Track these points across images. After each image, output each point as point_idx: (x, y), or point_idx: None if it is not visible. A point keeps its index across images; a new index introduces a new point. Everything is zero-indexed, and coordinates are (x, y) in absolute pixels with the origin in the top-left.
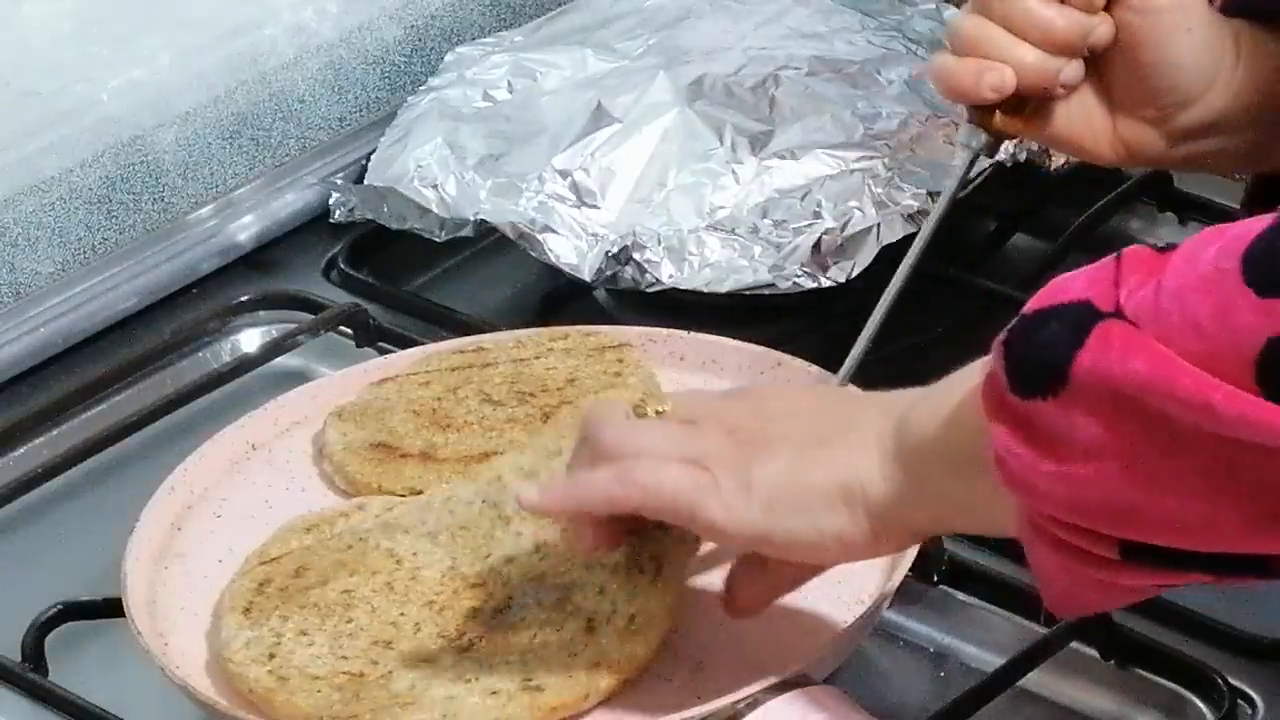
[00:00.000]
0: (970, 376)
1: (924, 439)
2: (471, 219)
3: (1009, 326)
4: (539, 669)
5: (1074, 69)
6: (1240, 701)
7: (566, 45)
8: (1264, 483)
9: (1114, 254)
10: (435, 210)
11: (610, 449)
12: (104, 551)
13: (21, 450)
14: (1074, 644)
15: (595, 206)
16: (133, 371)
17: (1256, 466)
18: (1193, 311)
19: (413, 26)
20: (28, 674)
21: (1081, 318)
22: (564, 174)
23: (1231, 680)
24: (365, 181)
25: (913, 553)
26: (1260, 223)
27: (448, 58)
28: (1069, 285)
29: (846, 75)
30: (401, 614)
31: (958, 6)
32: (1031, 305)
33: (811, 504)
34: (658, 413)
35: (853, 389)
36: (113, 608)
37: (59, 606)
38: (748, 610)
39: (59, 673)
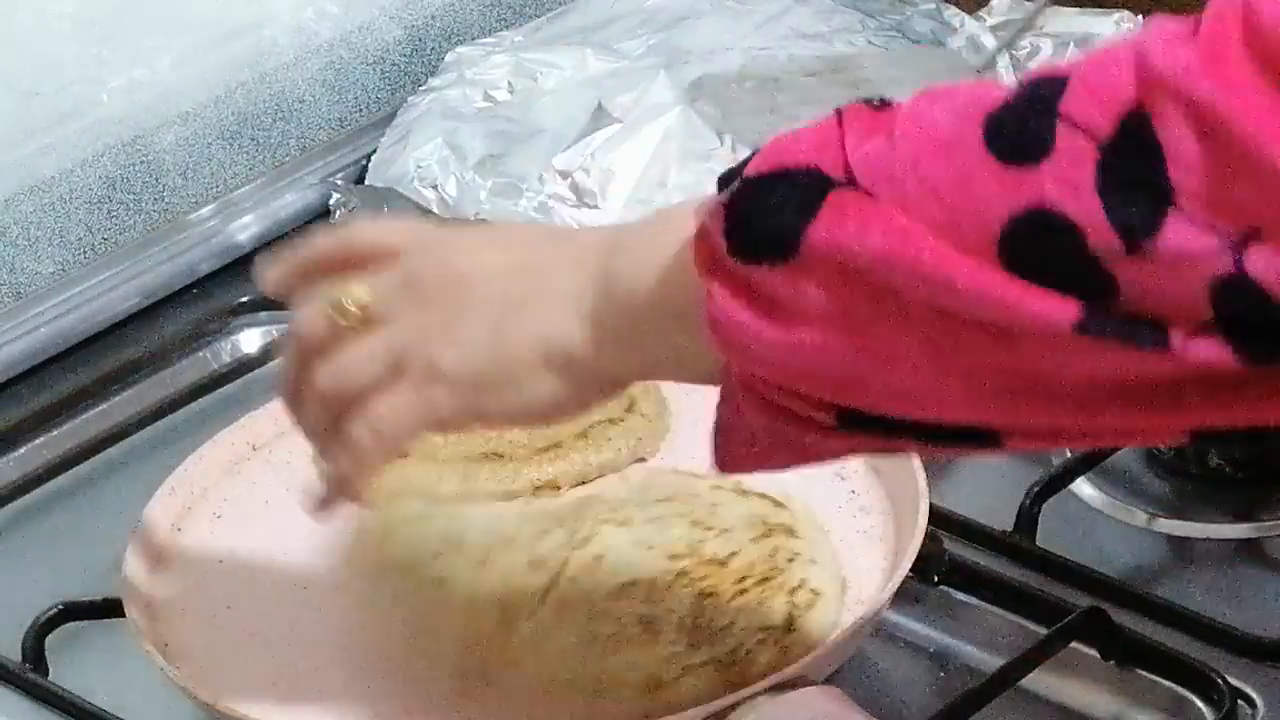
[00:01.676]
0: (675, 222)
1: (629, 294)
2: (471, 219)
3: (730, 189)
4: None
5: None
6: (1240, 701)
7: (566, 45)
8: (989, 364)
9: (834, 112)
10: (435, 210)
11: (328, 398)
12: (104, 551)
13: (21, 450)
14: (1074, 644)
15: (595, 207)
16: (133, 371)
17: (985, 348)
18: (930, 176)
19: (413, 26)
20: (28, 674)
21: (812, 185)
22: (564, 174)
23: (1231, 680)
24: (366, 182)
25: (913, 553)
26: (998, 89)
27: (448, 58)
28: (793, 147)
29: (846, 75)
30: None
31: (959, 7)
32: (754, 167)
33: (516, 375)
34: (361, 309)
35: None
36: (113, 608)
37: (59, 606)
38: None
39: (59, 673)
